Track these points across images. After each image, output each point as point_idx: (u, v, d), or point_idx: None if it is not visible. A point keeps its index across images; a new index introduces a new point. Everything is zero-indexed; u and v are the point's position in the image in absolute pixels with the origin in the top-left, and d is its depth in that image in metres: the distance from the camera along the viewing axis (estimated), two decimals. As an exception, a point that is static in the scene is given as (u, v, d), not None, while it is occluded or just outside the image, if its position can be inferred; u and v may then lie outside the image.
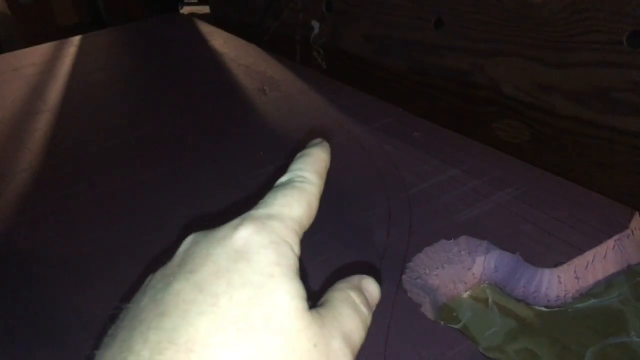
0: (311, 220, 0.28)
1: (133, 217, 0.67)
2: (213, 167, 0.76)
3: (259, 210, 0.27)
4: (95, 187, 0.73)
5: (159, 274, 0.26)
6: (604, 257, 0.58)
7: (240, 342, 0.22)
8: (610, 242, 0.58)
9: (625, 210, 0.62)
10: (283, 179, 0.29)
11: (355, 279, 0.29)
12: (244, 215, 0.26)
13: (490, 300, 0.58)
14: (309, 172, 0.29)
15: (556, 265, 0.56)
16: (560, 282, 0.56)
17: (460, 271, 0.59)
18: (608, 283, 0.57)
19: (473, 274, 0.59)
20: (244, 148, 0.80)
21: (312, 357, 0.23)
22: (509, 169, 0.71)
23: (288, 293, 0.24)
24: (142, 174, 0.75)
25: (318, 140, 0.32)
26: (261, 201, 0.28)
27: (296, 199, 0.28)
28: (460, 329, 0.54)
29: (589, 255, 0.57)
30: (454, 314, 0.57)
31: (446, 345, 0.51)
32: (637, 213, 0.62)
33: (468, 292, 0.59)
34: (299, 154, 0.31)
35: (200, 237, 0.26)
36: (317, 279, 0.59)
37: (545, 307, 0.56)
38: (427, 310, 0.55)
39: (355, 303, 0.27)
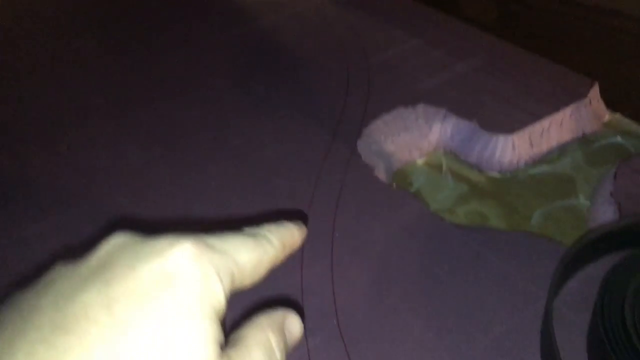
0: (252, 281, 0.26)
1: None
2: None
3: (207, 238, 0.24)
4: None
5: (69, 270, 0.22)
6: (560, 125, 0.58)
7: None
8: (567, 111, 0.58)
9: (585, 81, 0.62)
10: (248, 230, 0.27)
11: (278, 316, 0.27)
12: (186, 234, 0.24)
13: (444, 166, 0.58)
14: (275, 237, 0.27)
15: (511, 131, 0.56)
16: (514, 149, 0.56)
17: (416, 138, 0.59)
18: (562, 150, 0.58)
19: (429, 141, 0.59)
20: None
21: None
22: (472, 40, 0.69)
23: (205, 337, 0.21)
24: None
25: (298, 223, 0.30)
26: (214, 233, 0.25)
27: (249, 248, 0.25)
28: (413, 193, 0.55)
29: (544, 122, 0.57)
30: (408, 179, 0.57)
31: (397, 205, 0.51)
32: (596, 83, 0.61)
33: (423, 159, 0.59)
34: (276, 222, 0.29)
35: (129, 242, 0.23)
36: (273, 145, 0.58)
37: (498, 172, 0.56)
38: (381, 174, 0.55)
39: (271, 348, 0.25)
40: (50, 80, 0.70)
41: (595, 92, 0.61)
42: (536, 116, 0.57)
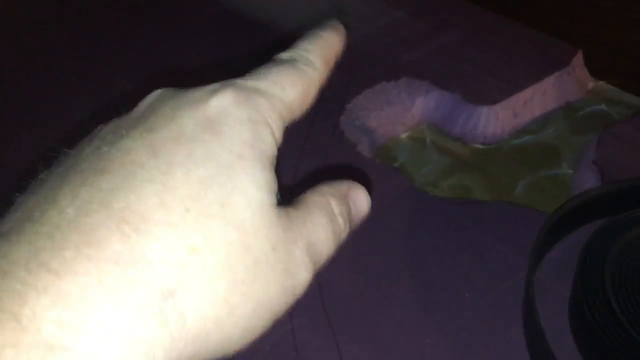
0: (303, 110, 0.24)
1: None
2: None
3: (247, 81, 0.22)
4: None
5: (111, 124, 0.21)
6: (544, 94, 0.58)
7: (186, 225, 0.18)
8: (550, 79, 0.58)
9: (568, 49, 0.61)
10: (284, 55, 0.24)
11: (343, 185, 0.25)
12: (226, 82, 0.22)
13: (427, 139, 0.57)
14: (315, 56, 0.24)
15: (495, 102, 0.56)
16: (497, 119, 0.56)
17: (399, 112, 0.58)
18: (545, 120, 0.57)
19: (412, 114, 0.59)
20: None
21: (268, 260, 0.20)
22: (454, 11, 0.68)
23: (255, 182, 0.20)
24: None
25: (334, 21, 0.27)
26: (252, 72, 0.23)
27: (293, 81, 0.23)
28: (397, 167, 0.54)
29: (528, 92, 0.57)
30: (392, 154, 0.56)
31: (381, 180, 0.51)
32: (579, 51, 0.61)
33: (407, 133, 0.58)
34: (309, 32, 0.26)
35: (169, 94, 0.22)
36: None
37: (482, 144, 0.56)
38: (364, 150, 0.54)
39: (332, 213, 0.23)
40: (27, 69, 0.70)
41: (578, 59, 0.60)
42: (519, 86, 0.57)
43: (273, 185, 0.21)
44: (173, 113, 0.20)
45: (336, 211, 0.23)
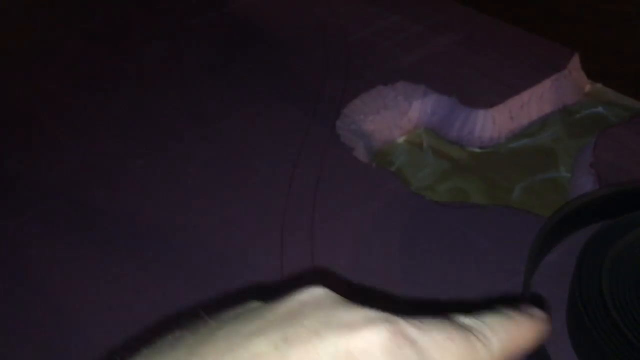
0: None
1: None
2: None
3: (409, 327, 0.20)
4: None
5: (260, 308, 0.21)
6: (540, 97, 0.57)
7: None
8: (547, 82, 0.58)
9: (564, 52, 0.61)
10: (463, 319, 0.21)
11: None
12: (389, 317, 0.20)
13: (425, 143, 0.57)
14: (497, 340, 0.21)
15: (491, 106, 0.56)
16: (494, 123, 0.56)
17: (396, 116, 0.58)
18: (542, 123, 0.57)
19: (409, 119, 0.58)
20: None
21: None
22: (450, 15, 0.68)
23: None
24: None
25: (537, 311, 0.23)
26: (420, 318, 0.21)
27: (458, 352, 0.20)
28: (394, 171, 0.54)
29: (525, 95, 0.57)
30: (389, 158, 0.56)
31: (377, 185, 0.51)
32: (576, 54, 0.60)
33: (404, 137, 0.58)
34: (504, 311, 0.22)
35: (328, 302, 0.21)
36: (251, 127, 0.58)
37: (479, 147, 0.56)
38: (360, 154, 0.54)
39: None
40: (25, 71, 0.70)
41: (575, 62, 0.60)
42: (516, 89, 0.57)
43: None
44: (318, 329, 0.19)
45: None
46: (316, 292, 0.21)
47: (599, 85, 0.60)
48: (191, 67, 0.66)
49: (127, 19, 0.75)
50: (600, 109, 0.58)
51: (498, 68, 0.60)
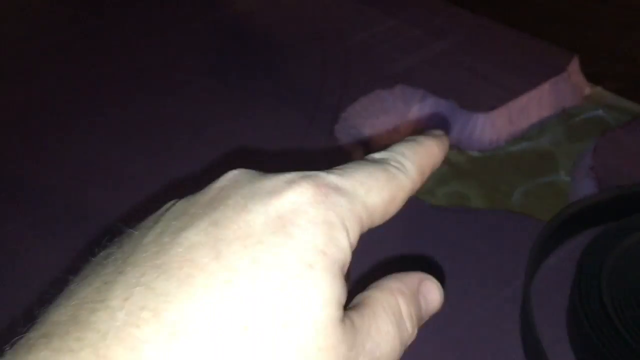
0: (385, 218, 0.21)
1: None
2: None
3: (330, 175, 0.20)
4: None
5: (181, 204, 0.20)
6: (540, 100, 0.57)
7: (243, 346, 0.17)
8: (546, 85, 0.57)
9: (564, 54, 0.61)
10: (377, 155, 0.22)
11: (414, 279, 0.22)
12: (308, 174, 0.20)
13: (424, 147, 0.57)
14: (411, 163, 0.22)
15: (490, 109, 0.56)
16: (493, 127, 0.55)
17: (395, 120, 0.58)
18: (542, 126, 0.57)
19: (408, 122, 0.58)
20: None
21: None
22: (449, 18, 0.68)
23: (323, 297, 0.18)
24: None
25: (439, 132, 0.24)
26: (340, 166, 0.21)
27: (381, 184, 0.21)
28: (392, 176, 0.54)
29: (524, 98, 0.56)
30: (388, 162, 0.56)
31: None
32: (575, 57, 0.60)
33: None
34: (409, 138, 0.23)
35: (243, 179, 0.20)
36: (250, 132, 0.58)
37: (478, 151, 0.56)
38: (359, 159, 0.54)
39: (400, 316, 0.21)
40: (24, 75, 0.70)
41: (575, 65, 0.60)
42: (515, 92, 0.57)
43: (342, 297, 0.19)
44: (244, 204, 0.19)
45: (405, 313, 0.21)
46: (233, 174, 0.21)
47: (598, 89, 0.60)
48: (189, 71, 0.66)
49: (125, 22, 0.75)
50: (599, 112, 0.58)
51: (497, 71, 0.60)
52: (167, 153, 0.57)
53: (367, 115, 0.58)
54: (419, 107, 0.58)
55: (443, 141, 0.24)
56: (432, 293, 0.23)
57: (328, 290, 0.18)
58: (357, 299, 0.21)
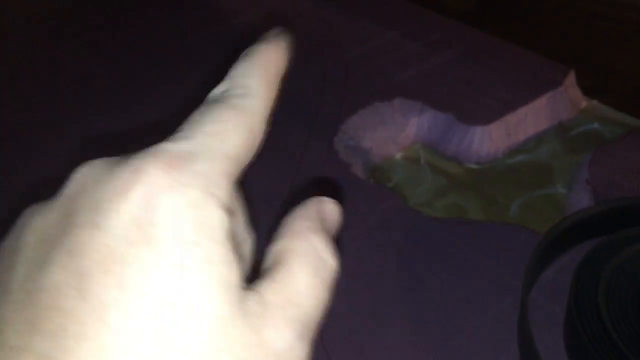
0: (253, 153, 0.19)
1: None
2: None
3: (175, 143, 0.18)
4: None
5: (35, 227, 0.18)
6: (537, 113, 0.58)
7: None
8: (543, 99, 0.58)
9: (560, 69, 0.62)
10: (217, 90, 0.20)
11: (313, 207, 0.21)
12: (151, 150, 0.17)
13: (422, 159, 0.58)
14: (254, 80, 0.20)
15: (488, 122, 0.56)
16: (491, 139, 0.56)
17: (393, 133, 0.59)
18: (539, 139, 0.58)
19: (406, 135, 0.59)
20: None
21: None
22: (447, 32, 0.69)
23: (209, 294, 0.16)
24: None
25: (274, 31, 0.22)
26: (181, 126, 0.19)
27: (232, 124, 0.18)
28: (391, 188, 0.55)
29: (521, 111, 0.57)
30: (386, 174, 0.57)
31: (374, 201, 0.51)
32: (572, 71, 0.61)
33: (401, 153, 0.59)
34: (244, 53, 0.21)
35: (93, 178, 0.18)
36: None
37: (476, 164, 0.56)
38: (358, 171, 0.55)
39: (320, 259, 0.19)
40: (21, 80, 0.70)
41: (571, 79, 0.61)
42: (512, 106, 0.57)
43: (234, 277, 0.17)
44: (95, 221, 0.16)
45: (322, 251, 0.19)
46: (80, 176, 0.18)
47: (594, 102, 0.61)
48: (192, 83, 0.67)
49: (130, 35, 0.76)
50: (596, 125, 0.59)
51: (494, 85, 0.61)
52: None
53: (366, 128, 0.58)
54: (417, 120, 0.59)
55: (279, 38, 0.22)
56: (332, 214, 0.22)
57: (213, 283, 0.16)
58: (270, 256, 0.19)
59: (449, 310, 0.43)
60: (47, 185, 0.19)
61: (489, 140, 0.56)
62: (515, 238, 0.47)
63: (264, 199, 0.52)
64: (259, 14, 0.76)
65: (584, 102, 0.61)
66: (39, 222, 0.18)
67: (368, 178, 0.55)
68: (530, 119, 0.58)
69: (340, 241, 0.47)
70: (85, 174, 0.18)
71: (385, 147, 0.58)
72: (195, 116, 0.19)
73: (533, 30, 0.76)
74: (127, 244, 0.16)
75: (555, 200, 0.52)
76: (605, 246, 0.40)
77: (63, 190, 0.18)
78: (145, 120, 0.63)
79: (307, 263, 0.19)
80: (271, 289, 0.18)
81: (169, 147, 0.18)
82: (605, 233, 0.42)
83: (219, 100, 0.19)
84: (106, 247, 0.16)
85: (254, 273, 0.19)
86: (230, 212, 0.17)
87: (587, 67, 0.64)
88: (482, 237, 0.47)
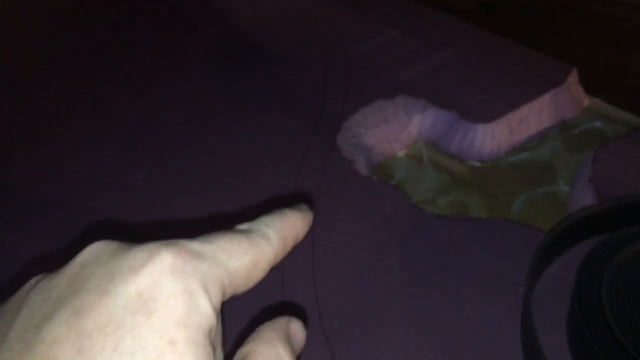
0: (249, 284, 0.22)
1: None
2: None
3: (191, 243, 0.21)
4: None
5: (43, 285, 0.20)
6: (539, 111, 0.58)
7: None
8: (546, 97, 0.58)
9: (563, 67, 0.62)
10: (242, 225, 0.23)
11: (282, 323, 0.23)
12: (169, 243, 0.20)
13: (425, 157, 0.58)
14: (274, 232, 0.23)
15: (491, 120, 0.56)
16: (493, 137, 0.56)
17: (396, 130, 0.59)
18: (541, 137, 0.58)
19: (409, 132, 0.59)
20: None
21: None
22: (450, 30, 0.69)
23: None
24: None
25: (304, 206, 0.26)
26: (201, 235, 0.22)
27: (243, 250, 0.21)
28: (394, 185, 0.55)
29: (524, 110, 0.57)
30: (389, 171, 0.57)
31: (377, 198, 0.51)
32: (574, 69, 0.61)
33: (404, 151, 0.59)
34: (274, 211, 0.25)
35: (106, 253, 0.20)
36: (252, 142, 0.58)
37: (479, 161, 0.56)
38: (361, 168, 0.55)
39: None
40: (26, 83, 0.70)
41: (574, 77, 0.61)
42: (515, 104, 0.57)
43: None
44: (104, 288, 0.19)
45: (284, 356, 0.22)
46: (94, 249, 0.21)
47: (597, 100, 0.61)
48: (192, 82, 0.67)
49: (128, 34, 0.76)
50: (598, 123, 0.59)
51: (497, 83, 0.61)
52: (169, 162, 0.57)
53: (369, 125, 0.58)
54: (420, 117, 0.59)
55: (307, 215, 0.25)
56: (298, 334, 0.24)
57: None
58: (240, 354, 0.22)
59: (451, 307, 0.43)
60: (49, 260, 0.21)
61: (491, 138, 0.56)
62: (518, 235, 0.47)
63: (267, 196, 0.53)
64: (259, 13, 0.76)
65: (586, 101, 0.61)
66: (46, 284, 0.20)
67: (371, 175, 0.55)
68: (533, 117, 0.58)
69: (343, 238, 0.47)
70: (99, 249, 0.21)
71: (387, 144, 0.58)
72: (215, 233, 0.22)
73: (536, 28, 0.76)
74: (128, 311, 0.18)
75: (558, 198, 0.52)
76: (609, 243, 0.40)
77: (75, 259, 0.20)
78: (145, 118, 0.63)
79: None
80: None
81: (184, 243, 0.20)
82: (608, 231, 0.42)
83: (239, 231, 0.22)
84: (109, 311, 0.18)
85: None
86: (216, 313, 0.20)
87: (590, 66, 0.64)
88: (485, 235, 0.47)
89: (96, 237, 0.21)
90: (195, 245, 0.20)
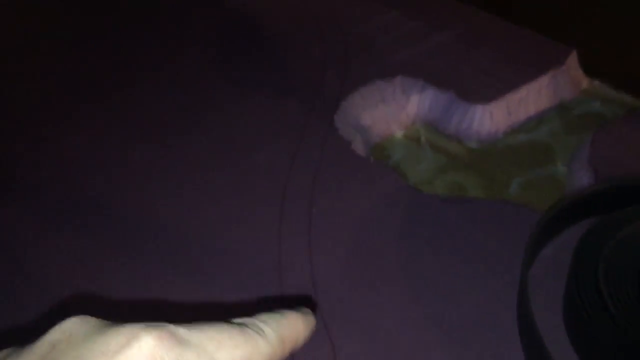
0: None
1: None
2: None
3: (178, 328, 0.19)
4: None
5: None
6: (538, 93, 0.58)
7: None
8: (544, 79, 0.58)
9: (563, 49, 0.61)
10: (237, 320, 0.21)
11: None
12: (153, 325, 0.19)
13: (422, 138, 0.57)
14: (271, 330, 0.21)
15: (489, 101, 0.56)
16: (492, 118, 0.56)
17: (394, 111, 0.58)
18: (540, 118, 0.58)
19: (407, 113, 0.59)
20: None
21: None
22: (449, 11, 0.69)
23: None
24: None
25: (303, 310, 0.24)
26: (191, 324, 0.20)
27: (234, 343, 0.19)
28: (391, 166, 0.54)
29: (522, 91, 0.57)
30: (386, 152, 0.57)
31: (374, 179, 0.51)
32: (574, 51, 0.61)
33: (402, 132, 0.58)
34: (276, 310, 0.23)
35: (81, 332, 0.18)
36: (250, 121, 0.58)
37: (477, 143, 0.56)
38: (358, 148, 0.55)
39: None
40: (27, 66, 0.69)
41: (573, 59, 0.61)
42: (514, 85, 0.57)
43: None
44: None
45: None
46: (68, 327, 0.19)
47: (596, 82, 0.61)
48: (190, 62, 0.66)
49: (126, 15, 0.75)
50: (597, 105, 0.59)
51: (496, 64, 0.60)
52: (167, 143, 0.57)
53: (367, 105, 0.58)
54: (419, 98, 0.59)
55: (309, 319, 0.23)
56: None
57: None
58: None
59: (448, 287, 0.43)
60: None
61: (489, 119, 0.56)
62: (516, 216, 0.47)
63: (265, 174, 0.52)
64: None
65: (585, 82, 0.61)
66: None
67: (368, 156, 0.55)
68: (531, 99, 0.57)
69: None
70: (74, 327, 0.19)
71: (385, 125, 0.58)
72: (210, 323, 0.20)
73: (536, 11, 0.75)
74: None
75: (556, 179, 0.52)
76: (606, 224, 0.40)
77: (45, 337, 0.19)
78: (142, 113, 0.62)
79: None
80: None
81: (169, 327, 0.19)
82: (605, 211, 0.42)
83: (235, 324, 0.20)
84: None
85: None
86: None
87: (589, 48, 0.63)
88: (482, 215, 0.47)
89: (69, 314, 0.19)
90: (181, 330, 0.19)
